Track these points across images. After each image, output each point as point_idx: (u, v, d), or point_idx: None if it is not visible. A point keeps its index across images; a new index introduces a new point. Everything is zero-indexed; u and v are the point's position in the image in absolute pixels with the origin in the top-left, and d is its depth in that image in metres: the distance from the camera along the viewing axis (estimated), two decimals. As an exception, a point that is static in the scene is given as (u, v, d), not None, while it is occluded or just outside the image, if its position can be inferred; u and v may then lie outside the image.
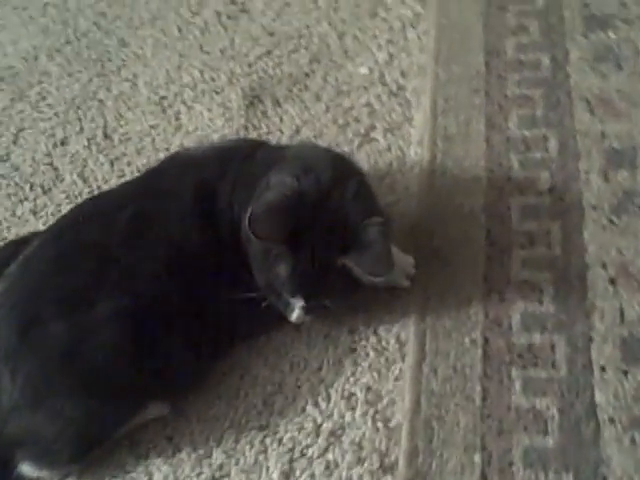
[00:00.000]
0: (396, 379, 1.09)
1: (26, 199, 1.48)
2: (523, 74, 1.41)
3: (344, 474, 1.02)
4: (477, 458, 0.99)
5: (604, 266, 1.13)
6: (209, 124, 1.51)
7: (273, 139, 1.43)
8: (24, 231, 1.41)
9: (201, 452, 1.08)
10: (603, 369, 1.04)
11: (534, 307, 1.11)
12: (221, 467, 1.06)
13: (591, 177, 1.23)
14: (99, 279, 1.04)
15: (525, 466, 0.98)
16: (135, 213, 1.09)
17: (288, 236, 1.01)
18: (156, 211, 1.10)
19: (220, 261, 1.08)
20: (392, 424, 1.05)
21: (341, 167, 1.11)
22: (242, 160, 1.14)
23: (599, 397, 1.01)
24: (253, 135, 1.46)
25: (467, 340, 1.10)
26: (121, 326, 1.02)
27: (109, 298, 1.03)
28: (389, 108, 1.44)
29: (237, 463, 1.06)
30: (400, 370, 1.10)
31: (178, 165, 1.19)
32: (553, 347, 1.07)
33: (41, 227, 1.40)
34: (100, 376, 1.02)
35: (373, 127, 1.41)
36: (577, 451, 0.98)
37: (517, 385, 1.04)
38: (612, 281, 1.11)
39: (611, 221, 1.17)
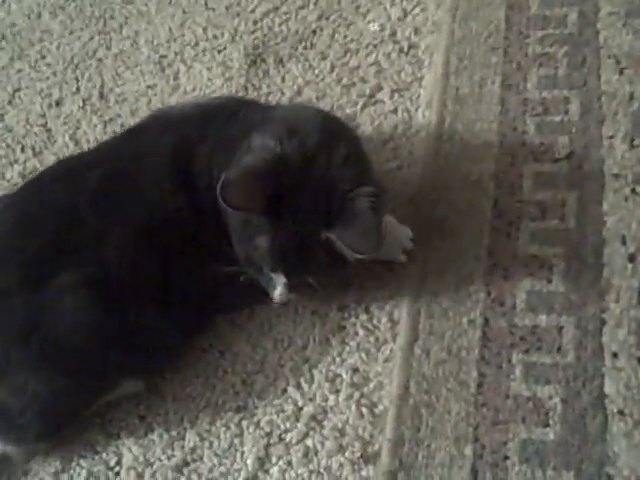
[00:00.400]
0: (386, 360, 1.00)
1: (16, 162, 1.42)
2: (547, 31, 1.29)
3: (323, 462, 0.94)
4: (468, 450, 0.90)
5: (623, 241, 1.01)
6: (208, 84, 1.43)
7: (273, 100, 1.35)
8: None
9: (174, 433, 1.01)
10: (615, 356, 0.93)
11: (542, 285, 1.00)
12: (194, 450, 0.99)
13: (615, 143, 1.11)
14: (63, 244, 0.97)
15: (521, 461, 0.88)
16: (106, 173, 1.01)
17: (267, 205, 0.91)
18: (130, 172, 1.02)
19: (198, 230, 1.00)
20: (378, 410, 0.96)
21: (331, 130, 1.00)
22: (226, 120, 1.05)
23: (609, 387, 0.91)
24: (253, 96, 1.37)
25: (465, 320, 1.00)
26: (85, 297, 0.95)
27: (73, 265, 0.95)
28: (398, 67, 1.33)
29: (211, 446, 0.99)
30: (391, 351, 1.01)
31: (158, 124, 1.10)
32: (560, 330, 0.96)
33: (29, 191, 1.35)
34: (64, 350, 0.95)
35: (380, 88, 1.31)
36: (580, 446, 0.88)
37: (517, 371, 0.95)
38: (631, 258, 1.00)
39: (634, 191, 1.05)
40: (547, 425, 0.90)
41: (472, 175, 1.14)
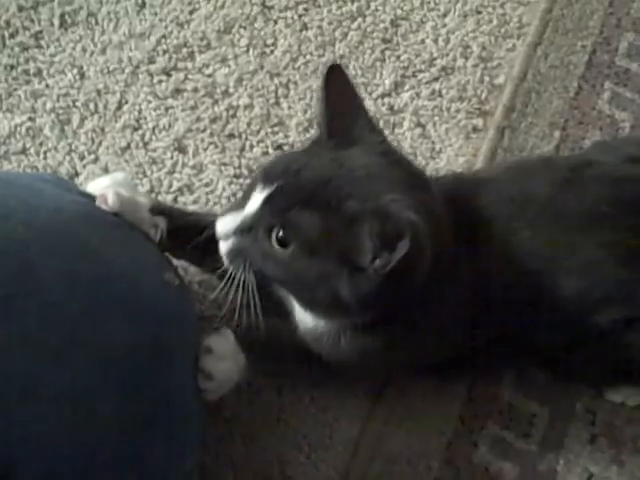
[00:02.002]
0: (509, 50, 1.22)
1: None
2: None
3: (444, 104, 1.16)
4: (557, 134, 1.17)
5: None
6: None
7: None
8: None
9: (327, 39, 1.19)
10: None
11: (641, 42, 1.26)
12: (342, 57, 1.17)
13: None
14: None
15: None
16: None
17: None
18: None
19: None
20: (496, 82, 1.19)
21: None
22: None
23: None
24: None
25: (579, 43, 1.24)
26: None
27: None
28: None
29: (357, 60, 1.17)
30: (514, 45, 1.22)
31: None
32: (646, 77, 1.23)
33: None
34: None
35: None
36: None
37: (606, 95, 1.20)
38: None
39: None
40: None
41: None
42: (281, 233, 0.72)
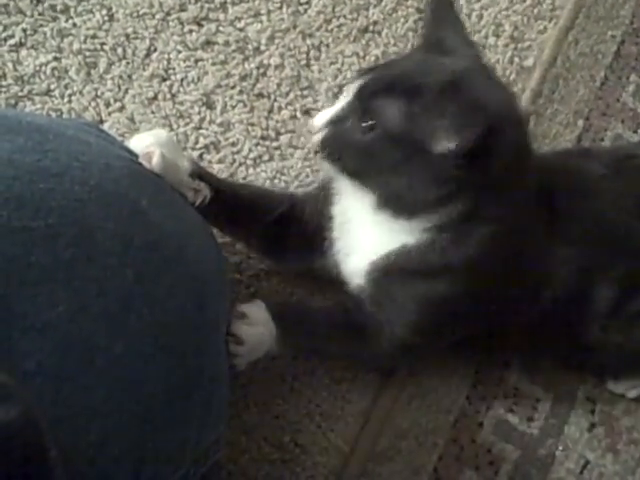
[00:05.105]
0: (540, 32, 1.20)
1: None
2: None
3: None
4: (580, 123, 1.15)
5: None
6: None
7: None
8: None
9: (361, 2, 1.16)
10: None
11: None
12: (375, 23, 1.14)
13: None
14: None
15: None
16: None
17: None
18: None
19: None
20: (525, 64, 1.17)
21: None
22: None
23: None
24: None
25: (609, 33, 1.24)
26: None
27: None
28: None
29: (390, 28, 1.13)
30: (545, 27, 1.20)
31: None
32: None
33: None
34: None
35: None
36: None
37: (631, 88, 1.19)
38: None
39: None
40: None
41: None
42: (368, 120, 0.76)
